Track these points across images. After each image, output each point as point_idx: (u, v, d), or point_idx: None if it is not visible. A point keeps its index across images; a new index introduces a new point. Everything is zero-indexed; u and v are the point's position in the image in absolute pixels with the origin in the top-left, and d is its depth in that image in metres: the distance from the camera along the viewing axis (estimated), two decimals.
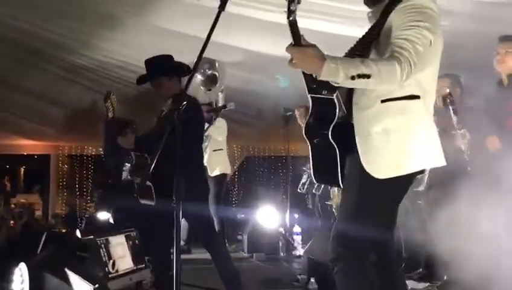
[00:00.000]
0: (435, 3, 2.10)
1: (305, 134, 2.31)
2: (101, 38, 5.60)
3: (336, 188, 5.18)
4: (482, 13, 4.03)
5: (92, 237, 4.04)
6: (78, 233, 4.47)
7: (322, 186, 5.95)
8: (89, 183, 9.72)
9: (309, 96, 2.22)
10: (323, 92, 2.12)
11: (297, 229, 6.18)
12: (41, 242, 3.85)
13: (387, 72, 1.93)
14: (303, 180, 6.79)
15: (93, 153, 9.44)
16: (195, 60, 2.24)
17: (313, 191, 6.45)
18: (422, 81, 2.11)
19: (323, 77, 1.94)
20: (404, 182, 2.20)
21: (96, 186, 9.80)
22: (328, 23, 4.33)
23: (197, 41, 5.19)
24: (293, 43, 1.97)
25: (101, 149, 8.91)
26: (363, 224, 2.15)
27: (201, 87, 5.49)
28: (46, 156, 9.71)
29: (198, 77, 5.43)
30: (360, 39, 2.22)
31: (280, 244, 5.92)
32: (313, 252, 4.65)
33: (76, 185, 9.72)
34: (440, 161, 2.22)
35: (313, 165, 2.32)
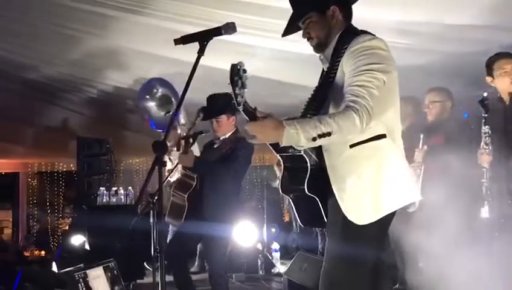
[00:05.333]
0: (382, 41, 2.11)
1: (282, 192, 2.32)
2: (65, 59, 5.51)
3: None
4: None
5: (69, 270, 3.97)
6: (54, 266, 4.37)
7: None
8: (60, 200, 9.51)
9: (278, 156, 2.23)
10: (290, 150, 2.12)
11: (275, 245, 6.19)
12: (17, 281, 3.73)
13: (347, 124, 1.95)
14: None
15: (64, 170, 9.24)
16: (179, 99, 2.19)
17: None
18: (386, 120, 2.13)
19: (285, 144, 1.95)
20: (385, 221, 2.21)
21: (67, 203, 9.63)
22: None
23: (158, 59, 5.18)
24: (248, 120, 1.98)
25: (72, 165, 8.76)
26: (350, 269, 2.16)
27: (160, 112, 5.30)
28: (15, 173, 9.47)
29: (151, 104, 5.24)
30: (315, 90, 2.24)
31: (259, 262, 5.90)
32: (293, 274, 4.67)
33: (47, 202, 9.49)
34: (416, 196, 2.25)
35: (297, 214, 2.34)
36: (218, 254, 3.66)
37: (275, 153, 2.22)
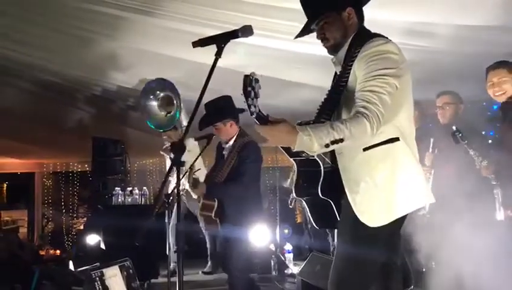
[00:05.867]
0: (395, 45, 2.12)
1: (295, 195, 2.35)
2: (80, 60, 5.58)
3: None
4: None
5: (86, 269, 4.03)
6: (71, 265, 4.43)
7: None
8: (74, 200, 9.63)
9: (291, 159, 2.25)
10: (303, 155, 2.14)
11: (288, 246, 6.20)
12: (35, 280, 3.80)
13: (358, 131, 1.96)
14: (292, 196, 6.82)
15: (78, 170, 9.36)
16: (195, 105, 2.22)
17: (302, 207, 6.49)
18: (398, 123, 2.15)
19: (298, 149, 1.96)
20: (397, 223, 2.22)
21: (81, 203, 9.75)
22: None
23: (172, 61, 5.23)
24: (259, 124, 2.00)
25: (86, 166, 8.88)
26: (360, 270, 2.18)
27: (161, 112, 5.34)
28: (31, 173, 9.63)
29: (153, 103, 5.28)
30: (328, 93, 2.25)
31: (272, 263, 5.92)
32: (307, 274, 4.69)
33: (62, 202, 9.62)
34: (429, 199, 2.26)
35: (311, 215, 2.36)
36: (234, 255, 3.76)
37: (288, 157, 2.24)
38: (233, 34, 2.12)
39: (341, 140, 1.94)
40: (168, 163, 6.00)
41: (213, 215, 3.87)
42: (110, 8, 4.24)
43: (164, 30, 4.55)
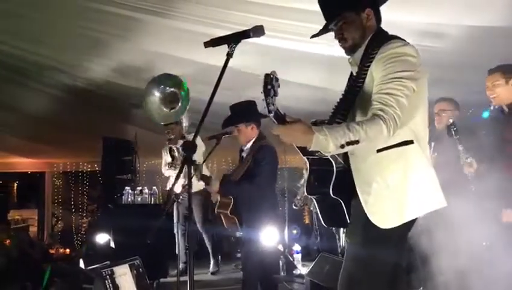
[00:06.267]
0: (413, 47, 2.12)
1: (307, 193, 2.36)
2: (91, 61, 5.63)
3: None
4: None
5: (96, 267, 4.07)
6: (81, 263, 4.47)
7: None
8: (84, 199, 9.71)
9: (304, 158, 2.26)
10: (317, 154, 2.15)
11: (296, 247, 6.21)
12: (47, 277, 3.84)
13: (374, 133, 1.97)
14: (298, 196, 6.83)
15: (88, 170, 9.43)
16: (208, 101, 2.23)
17: (311, 208, 6.49)
18: (413, 126, 2.15)
19: (313, 148, 1.98)
20: (408, 226, 2.23)
21: (91, 202, 9.82)
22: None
23: (184, 62, 5.26)
24: (276, 123, 2.01)
25: (96, 165, 8.94)
26: (370, 270, 2.18)
27: (163, 107, 5.33)
28: (41, 173, 9.72)
29: (157, 94, 5.26)
30: (344, 94, 2.26)
31: (281, 263, 5.93)
32: (315, 275, 4.70)
33: (72, 201, 9.70)
34: (441, 203, 2.25)
35: (320, 213, 2.37)
36: (247, 255, 3.97)
37: (302, 155, 2.25)
38: (244, 34, 2.14)
39: (357, 141, 1.94)
40: (166, 159, 6.02)
41: (229, 212, 3.97)
42: (122, 9, 4.28)
43: (177, 31, 4.59)
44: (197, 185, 5.11)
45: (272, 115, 1.97)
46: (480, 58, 4.27)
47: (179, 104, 5.16)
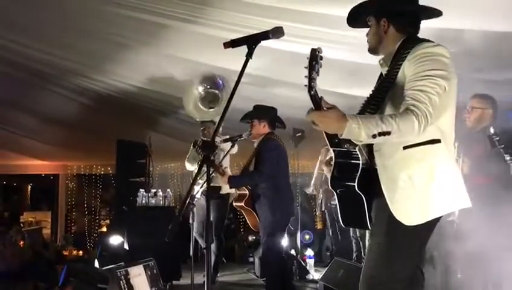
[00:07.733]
0: (445, 48, 2.13)
1: (330, 186, 2.36)
2: (111, 63, 5.68)
3: None
4: None
5: (111, 267, 4.09)
6: (96, 263, 4.49)
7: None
8: (97, 202, 9.77)
9: (331, 149, 2.27)
10: (345, 146, 2.17)
11: (309, 252, 6.20)
12: (63, 276, 3.87)
13: (406, 127, 1.97)
14: (312, 181, 6.77)
15: (101, 173, 9.49)
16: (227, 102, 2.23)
17: (319, 200, 6.51)
18: (441, 125, 2.15)
19: (345, 136, 1.99)
20: (431, 224, 2.23)
21: (103, 205, 9.88)
22: (349, 52, 4.41)
23: (203, 67, 5.29)
24: (313, 108, 2.03)
25: (109, 168, 9.00)
26: (392, 269, 2.18)
27: (200, 104, 5.47)
28: (54, 175, 9.82)
29: (200, 89, 5.45)
30: (374, 90, 2.27)
31: (293, 268, 5.91)
32: (329, 280, 4.68)
33: (85, 204, 9.77)
34: (465, 203, 2.24)
35: (340, 210, 2.36)
36: (263, 256, 4.32)
37: (329, 146, 2.26)
38: (264, 35, 2.17)
39: (388, 133, 1.95)
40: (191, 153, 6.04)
41: (243, 204, 4.27)
42: (150, 16, 4.33)
43: (202, 37, 4.61)
44: (225, 188, 5.30)
45: (312, 92, 1.97)
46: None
47: (219, 105, 5.34)
